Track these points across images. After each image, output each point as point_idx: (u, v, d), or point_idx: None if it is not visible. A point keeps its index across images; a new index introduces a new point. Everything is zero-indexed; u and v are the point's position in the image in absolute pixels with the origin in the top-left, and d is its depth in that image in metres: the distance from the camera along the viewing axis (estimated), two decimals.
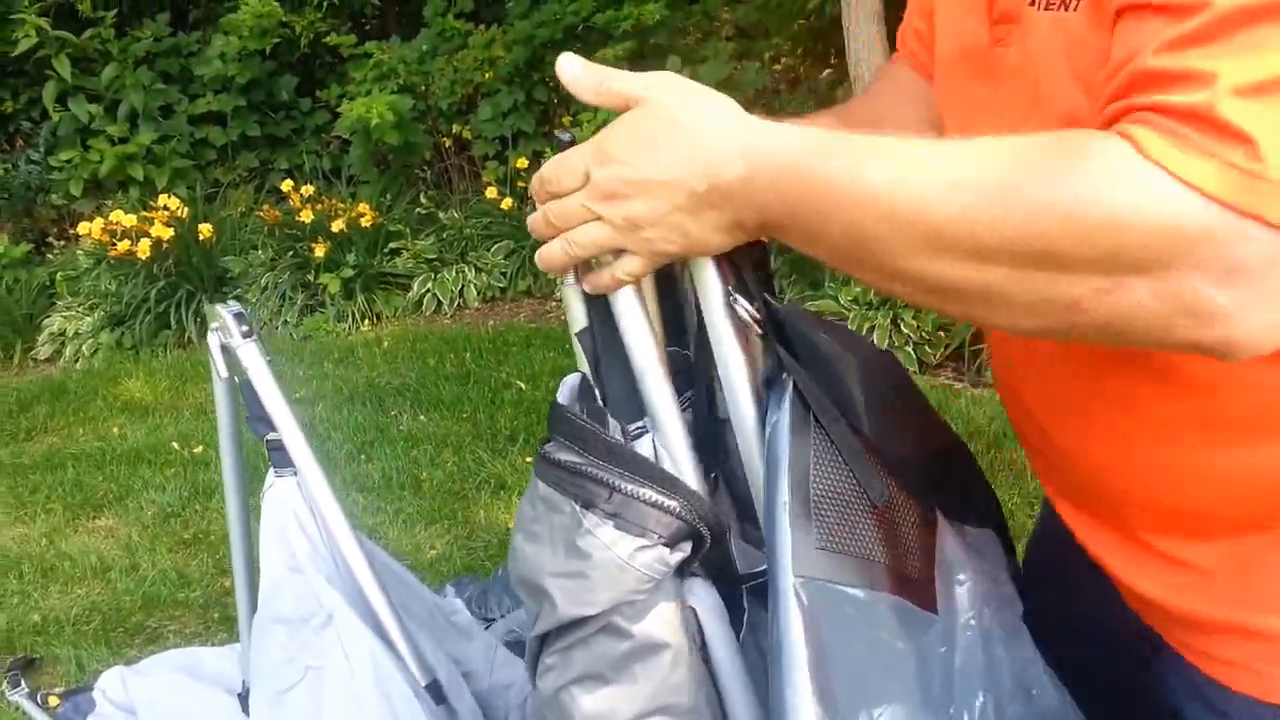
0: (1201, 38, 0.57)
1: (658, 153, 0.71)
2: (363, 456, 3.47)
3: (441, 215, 5.51)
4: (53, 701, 2.34)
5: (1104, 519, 0.84)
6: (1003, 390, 0.93)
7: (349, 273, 5.12)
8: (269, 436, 1.38)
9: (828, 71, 6.06)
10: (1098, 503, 0.84)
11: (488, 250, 5.40)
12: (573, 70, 0.76)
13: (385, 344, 4.67)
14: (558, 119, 6.00)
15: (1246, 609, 0.76)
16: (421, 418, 3.75)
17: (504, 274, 5.34)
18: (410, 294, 5.24)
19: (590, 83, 0.75)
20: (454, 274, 5.27)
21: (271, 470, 1.41)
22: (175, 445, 3.72)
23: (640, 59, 5.60)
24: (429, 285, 5.23)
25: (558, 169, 0.75)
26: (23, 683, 2.37)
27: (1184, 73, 0.57)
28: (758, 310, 0.83)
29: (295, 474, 1.39)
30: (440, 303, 5.21)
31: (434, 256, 5.34)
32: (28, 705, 2.30)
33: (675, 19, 5.70)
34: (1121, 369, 0.74)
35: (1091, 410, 0.79)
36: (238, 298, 5.22)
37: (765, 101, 5.64)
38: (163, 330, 5.09)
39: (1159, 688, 0.85)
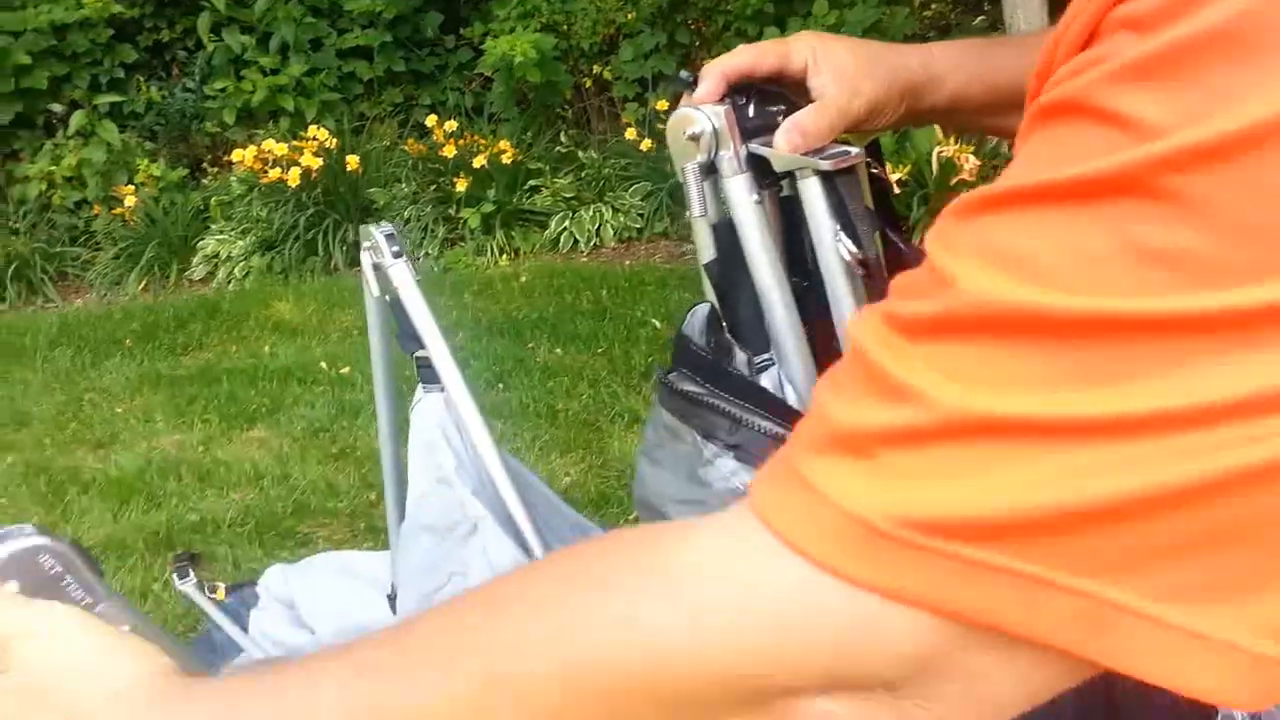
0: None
1: None
2: (501, 385, 3.54)
3: (580, 155, 5.54)
4: (220, 594, 2.47)
5: None
6: None
7: (489, 208, 5.20)
8: (417, 354, 1.41)
9: (980, 19, 5.88)
10: None
11: (625, 191, 5.42)
12: None
13: (523, 279, 4.74)
14: (700, 62, 5.96)
15: None
16: (558, 351, 3.80)
17: (640, 215, 5.35)
18: (547, 231, 5.30)
19: None
20: (591, 213, 5.30)
21: (420, 386, 1.44)
22: (323, 365, 3.85)
23: (785, 2, 5.52)
24: (566, 223, 5.28)
25: None
26: (191, 574, 2.49)
27: None
28: (862, 251, 0.82)
29: (442, 390, 1.42)
30: (577, 241, 5.25)
31: (572, 195, 5.39)
32: (197, 596, 2.42)
33: None
34: None
35: None
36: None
37: None
38: (310, 257, 5.25)
39: None
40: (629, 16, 5.87)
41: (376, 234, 1.40)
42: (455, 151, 5.20)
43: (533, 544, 1.49)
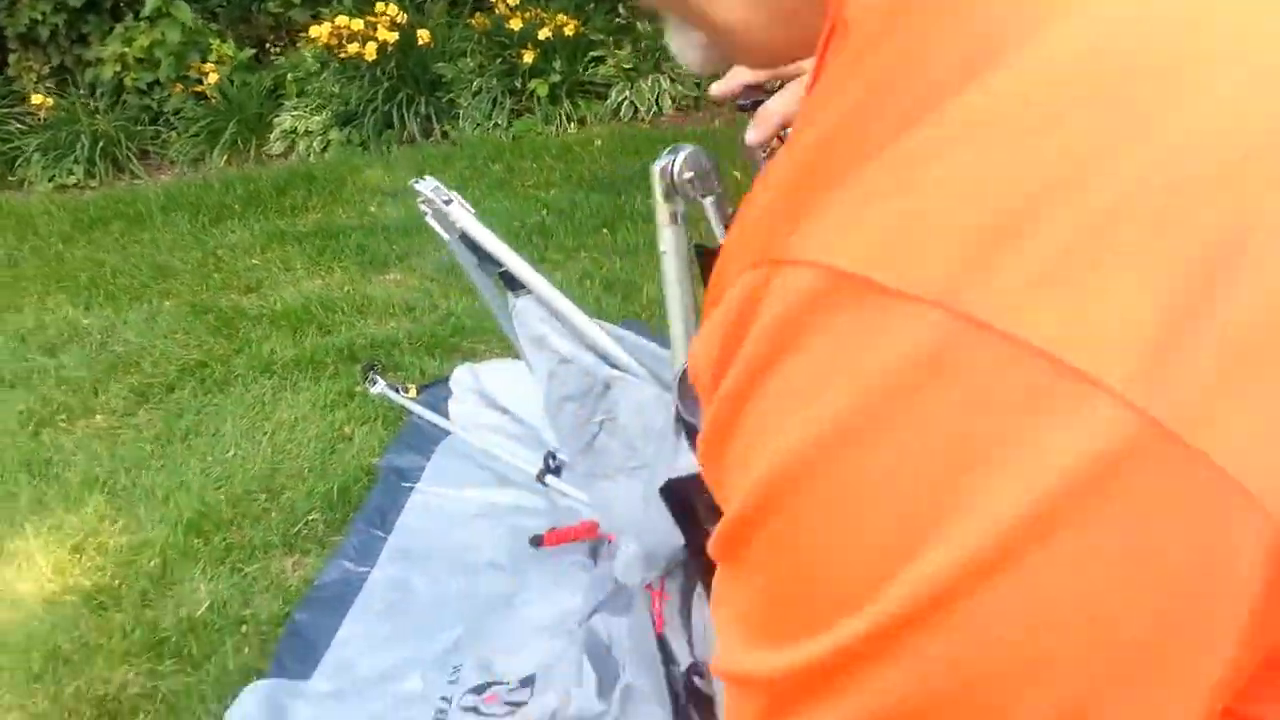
0: None
1: None
2: (605, 230, 3.89)
3: (639, 26, 5.79)
4: (413, 392, 2.85)
5: None
6: None
7: (555, 78, 5.48)
8: (499, 271, 1.71)
9: None
10: None
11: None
12: None
13: (597, 143, 5.05)
14: None
15: None
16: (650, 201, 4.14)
17: (697, 84, 5.63)
18: (608, 101, 5.58)
19: None
20: (650, 83, 5.59)
21: (509, 295, 1.73)
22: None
23: None
24: (626, 93, 5.56)
25: None
26: (380, 380, 2.86)
27: None
28: None
29: (530, 292, 1.72)
30: (637, 110, 5.55)
31: (631, 66, 5.66)
32: (393, 395, 2.80)
33: None
34: None
35: None
36: (451, 101, 5.63)
37: None
38: (386, 130, 5.53)
39: None
40: None
41: (424, 189, 1.68)
42: (521, 24, 5.45)
43: (637, 369, 1.73)
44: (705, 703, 1.26)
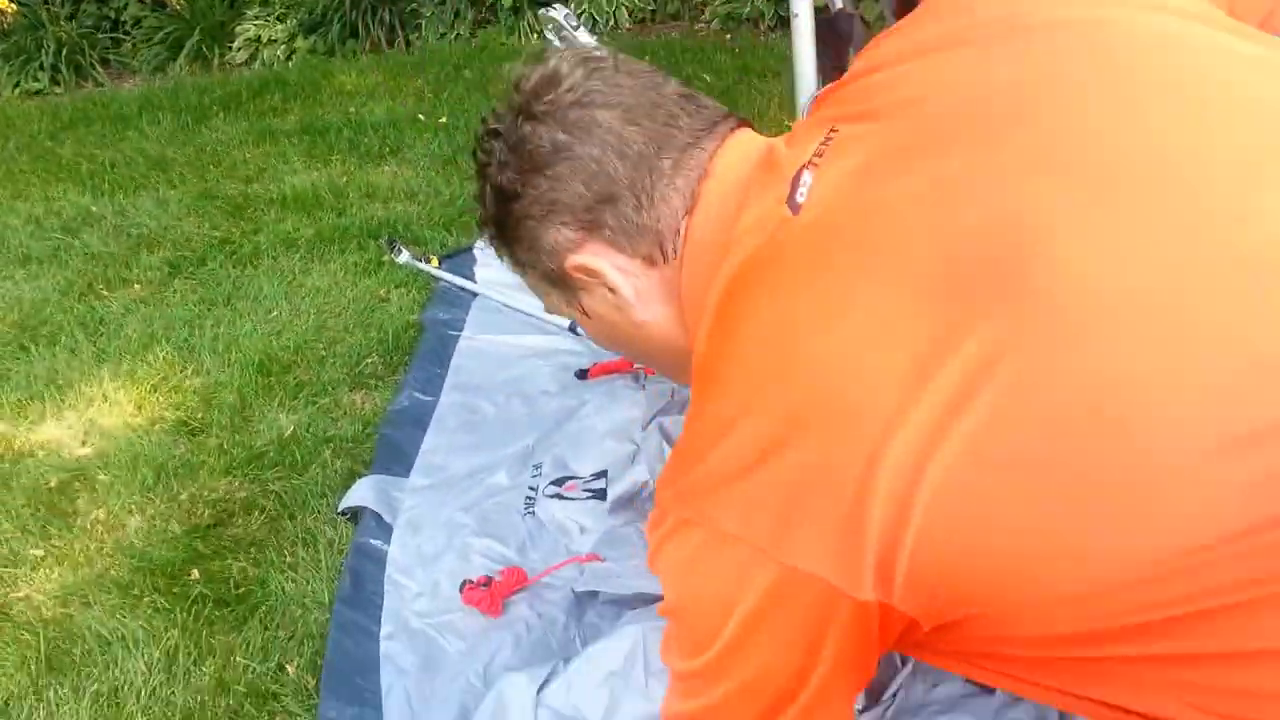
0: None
1: None
2: None
3: None
4: (434, 262, 3.09)
5: None
6: None
7: None
8: None
9: None
10: None
11: None
12: None
13: None
14: None
15: None
16: None
17: None
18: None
19: None
20: None
21: None
22: (421, 118, 4.39)
23: None
24: (585, 5, 5.77)
25: None
26: (404, 250, 3.10)
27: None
28: None
29: None
30: (596, 21, 5.77)
31: None
32: (419, 264, 3.04)
33: None
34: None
35: None
36: (413, 11, 5.78)
37: None
38: (350, 39, 5.67)
39: None
40: None
41: (556, 15, 1.93)
42: None
43: None
44: None
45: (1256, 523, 0.66)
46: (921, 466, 0.72)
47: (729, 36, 5.39)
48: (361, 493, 2.06)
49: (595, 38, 2.03)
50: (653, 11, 5.90)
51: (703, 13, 5.76)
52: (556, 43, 1.98)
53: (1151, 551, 0.70)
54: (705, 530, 0.83)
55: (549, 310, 1.20)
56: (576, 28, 1.97)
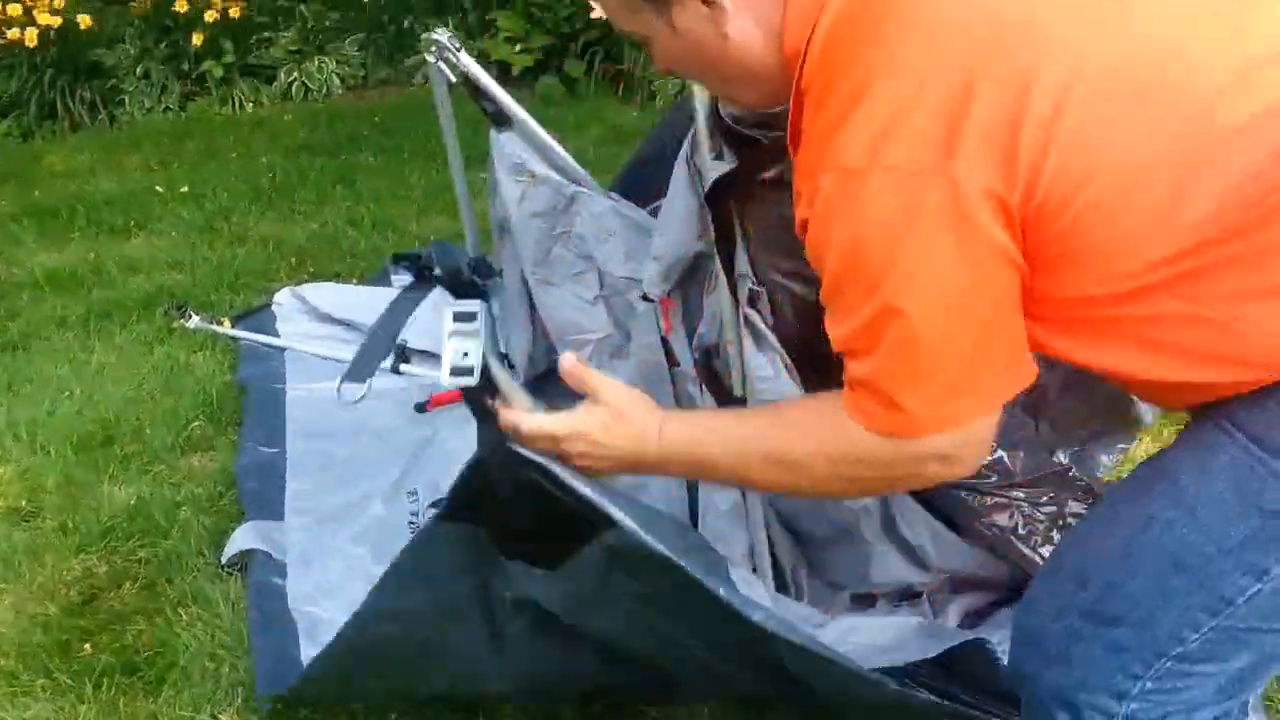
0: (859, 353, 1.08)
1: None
2: (339, 185, 4.19)
3: (301, 9, 5.99)
4: (226, 324, 3.06)
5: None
6: None
7: (230, 58, 5.59)
8: (492, 110, 2.13)
9: None
10: None
11: (344, 41, 5.98)
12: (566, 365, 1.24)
13: (288, 117, 5.26)
14: None
15: None
16: (377, 157, 4.49)
17: (363, 64, 5.96)
18: (277, 83, 5.75)
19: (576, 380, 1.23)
20: (317, 64, 5.82)
21: (493, 130, 2.17)
22: (159, 189, 4.26)
23: None
24: (295, 74, 5.76)
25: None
26: (193, 314, 3.04)
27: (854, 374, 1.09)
28: None
29: (514, 128, 2.15)
30: (309, 89, 5.76)
31: (296, 49, 5.86)
32: (213, 328, 3.00)
33: None
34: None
35: None
36: (114, 87, 5.56)
37: None
38: (49, 119, 5.36)
39: None
40: None
41: (442, 37, 2.08)
42: (188, 6, 5.49)
43: (596, 186, 2.20)
44: (714, 378, 1.73)
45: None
46: (1060, 104, 0.95)
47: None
48: (245, 538, 2.07)
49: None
50: (363, 77, 5.97)
51: (412, 75, 5.89)
52: (442, 66, 2.09)
53: (1212, 188, 0.95)
54: (867, 173, 0.98)
55: (624, 30, 1.20)
56: (459, 49, 2.06)
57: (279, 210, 3.98)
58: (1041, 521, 1.73)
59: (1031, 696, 1.17)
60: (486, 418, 1.26)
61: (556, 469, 1.15)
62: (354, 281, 3.34)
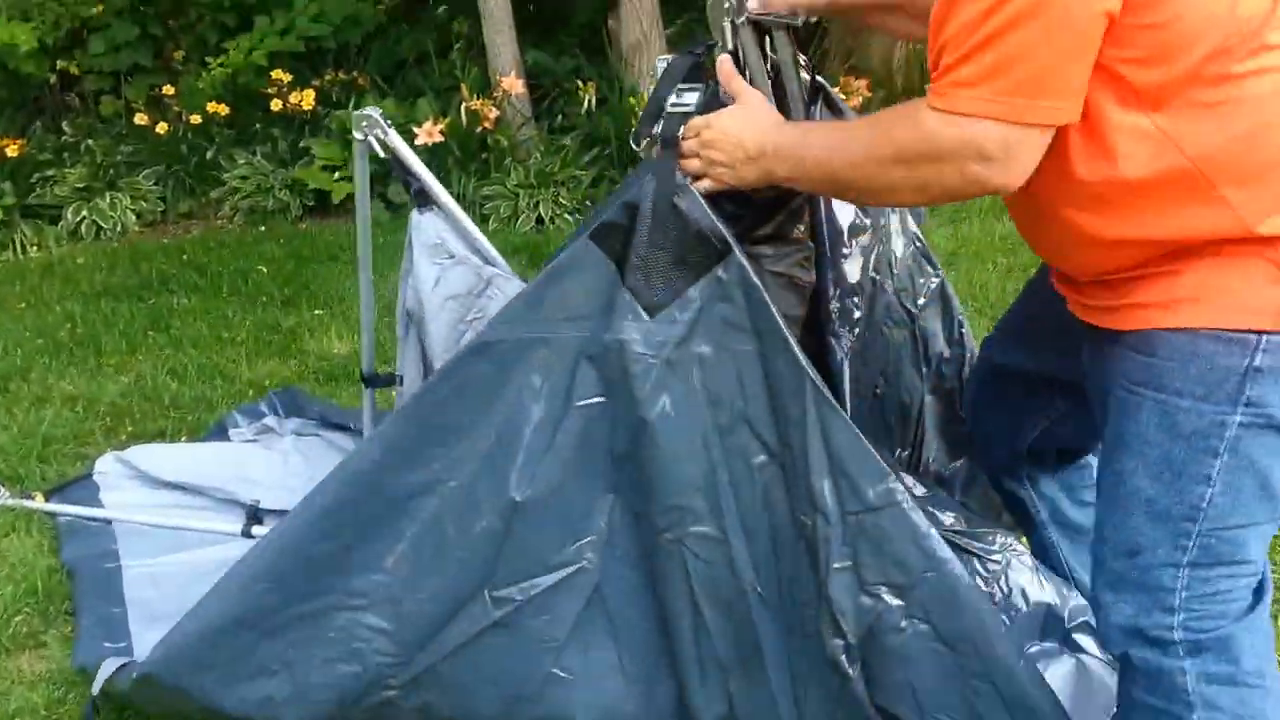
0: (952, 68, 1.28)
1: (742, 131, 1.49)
2: (152, 331, 3.86)
3: (89, 143, 5.61)
4: (40, 498, 2.70)
5: (1062, 279, 1.52)
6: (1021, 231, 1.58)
7: (9, 199, 5.15)
8: (415, 187, 2.10)
9: None
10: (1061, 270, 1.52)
11: (138, 176, 5.62)
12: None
13: (80, 260, 4.86)
14: (170, 53, 6.27)
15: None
16: (188, 299, 4.18)
17: (161, 199, 5.61)
18: (64, 223, 5.34)
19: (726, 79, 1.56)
20: (109, 201, 5.43)
21: (415, 211, 2.12)
22: None
23: None
24: (84, 212, 5.36)
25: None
26: (3, 489, 2.68)
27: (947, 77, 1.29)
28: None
29: (434, 209, 2.11)
30: (101, 228, 5.36)
31: (84, 186, 5.46)
32: (22, 503, 2.64)
33: None
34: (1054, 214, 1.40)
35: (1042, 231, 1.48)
36: None
37: None
38: None
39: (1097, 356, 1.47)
40: (96, 10, 5.99)
41: (375, 114, 2.07)
42: None
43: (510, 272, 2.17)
44: None
45: None
46: None
47: (262, 229, 5.29)
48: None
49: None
50: (163, 211, 5.62)
51: (218, 208, 5.58)
52: (373, 143, 2.09)
53: None
54: None
55: None
56: (389, 125, 2.07)
57: (84, 364, 3.61)
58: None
59: (1115, 639, 1.45)
60: (663, 152, 1.53)
61: (700, 192, 1.51)
62: (183, 439, 3.03)
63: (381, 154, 2.13)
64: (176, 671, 1.79)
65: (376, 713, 1.71)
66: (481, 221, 4.88)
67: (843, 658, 1.55)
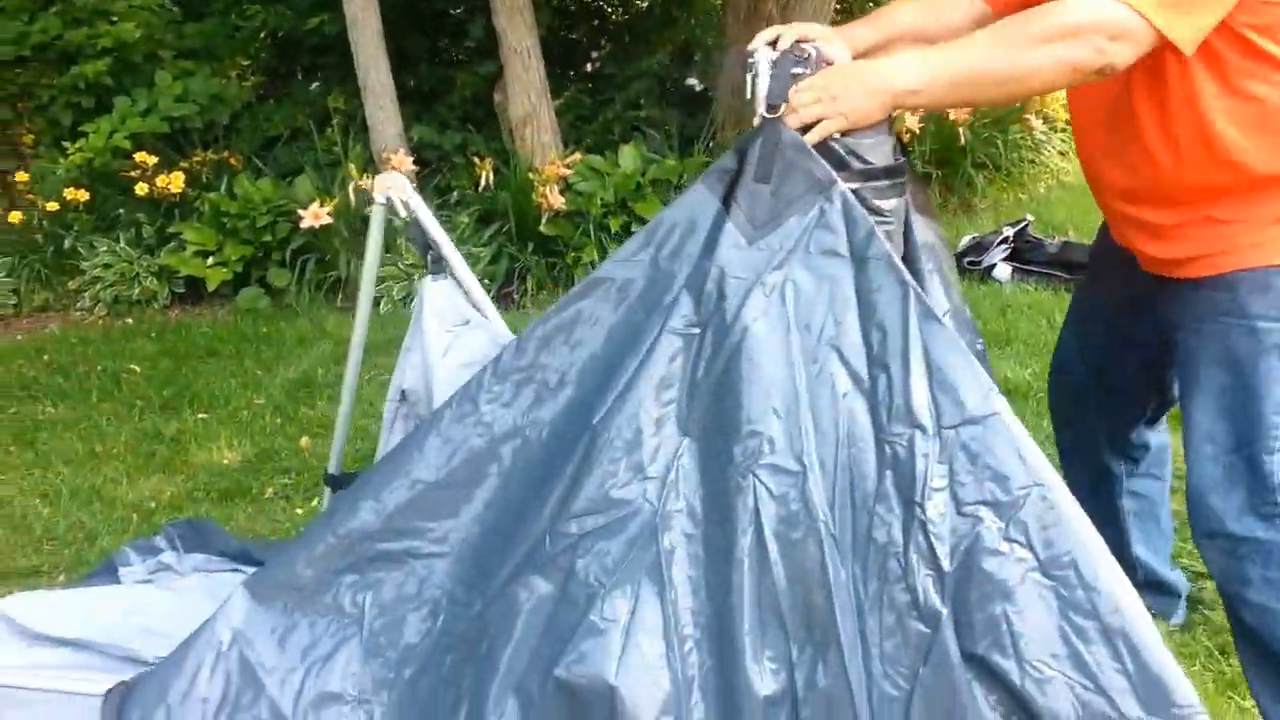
0: None
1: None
2: (38, 444, 3.49)
3: None
4: None
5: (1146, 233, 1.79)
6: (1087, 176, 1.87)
7: None
8: (430, 252, 1.98)
9: None
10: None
11: None
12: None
13: None
14: (20, 138, 5.86)
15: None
16: (55, 408, 3.80)
17: (15, 291, 5.19)
18: None
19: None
20: None
21: (429, 277, 2.02)
22: None
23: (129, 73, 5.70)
24: None
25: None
26: None
27: None
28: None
29: (447, 277, 2.01)
30: None
31: None
32: None
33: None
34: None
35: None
36: None
37: None
38: None
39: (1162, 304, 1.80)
40: None
41: (399, 179, 1.98)
42: None
43: None
44: None
45: None
46: None
47: (127, 320, 4.91)
48: None
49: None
50: (15, 305, 5.19)
51: (77, 299, 5.18)
52: (395, 201, 2.00)
53: None
54: None
55: None
56: (415, 190, 2.01)
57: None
58: None
59: (1233, 527, 1.73)
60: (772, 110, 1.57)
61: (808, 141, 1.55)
62: (60, 582, 2.69)
63: (404, 217, 2.03)
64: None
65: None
66: (374, 305, 4.63)
67: (934, 593, 1.44)
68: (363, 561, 1.66)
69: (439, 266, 2.00)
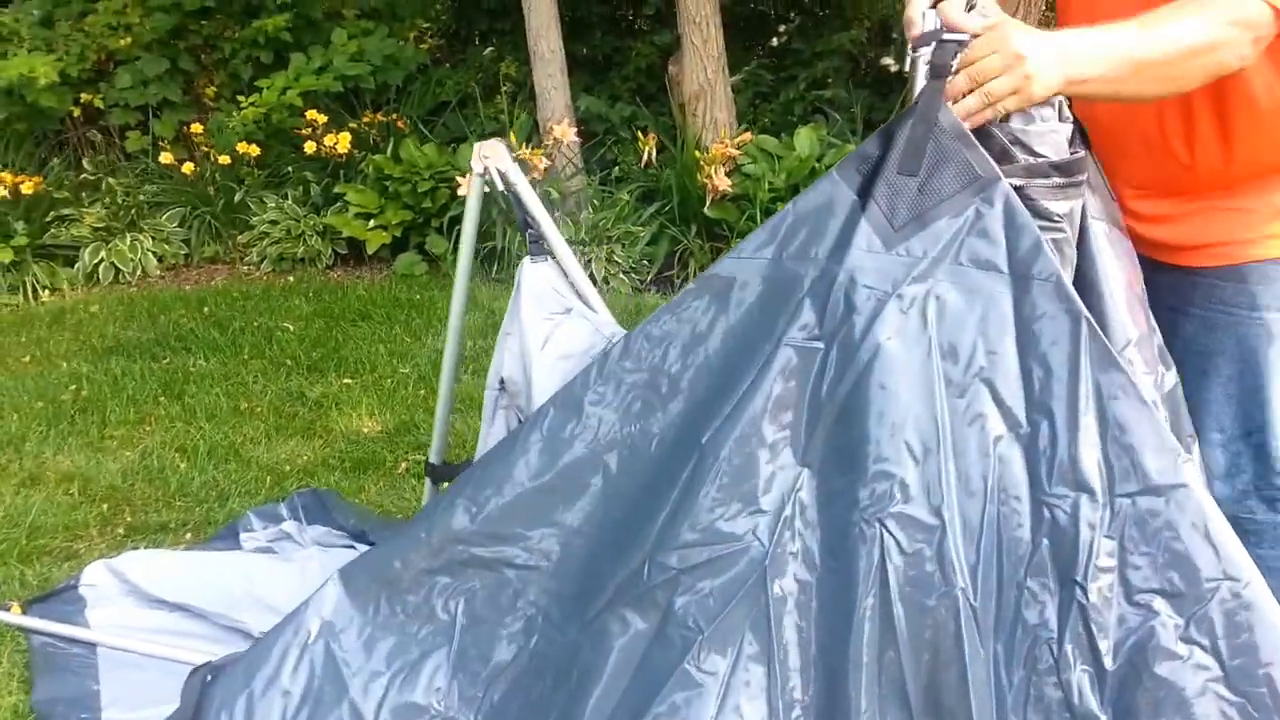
0: None
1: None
2: (164, 397, 3.48)
3: (110, 181, 5.27)
4: (16, 609, 2.30)
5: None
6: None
7: (21, 240, 4.80)
8: (530, 231, 1.77)
9: None
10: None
11: (161, 217, 5.28)
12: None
13: (94, 308, 4.50)
14: (201, 89, 5.95)
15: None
16: (214, 360, 3.79)
17: (185, 241, 5.26)
18: (80, 264, 4.99)
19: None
20: (129, 242, 5.09)
21: (528, 258, 1.83)
22: None
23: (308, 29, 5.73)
24: (103, 254, 5.02)
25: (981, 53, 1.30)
26: None
27: None
28: None
29: (547, 259, 1.79)
30: (119, 271, 5.02)
31: (103, 226, 5.12)
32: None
33: None
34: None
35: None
36: None
37: None
38: None
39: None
40: (124, 42, 5.68)
41: (499, 145, 1.80)
42: None
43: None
44: None
45: None
46: None
47: (289, 278, 4.92)
48: None
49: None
50: (186, 255, 5.27)
51: (245, 254, 5.22)
52: (494, 173, 1.87)
53: None
54: None
55: None
56: (515, 159, 1.87)
57: (85, 436, 3.21)
58: None
59: (1227, 508, 1.44)
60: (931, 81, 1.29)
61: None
62: (185, 541, 2.62)
63: (499, 185, 1.88)
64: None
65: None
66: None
67: (1091, 694, 1.22)
68: (455, 565, 1.50)
69: (539, 247, 1.83)
